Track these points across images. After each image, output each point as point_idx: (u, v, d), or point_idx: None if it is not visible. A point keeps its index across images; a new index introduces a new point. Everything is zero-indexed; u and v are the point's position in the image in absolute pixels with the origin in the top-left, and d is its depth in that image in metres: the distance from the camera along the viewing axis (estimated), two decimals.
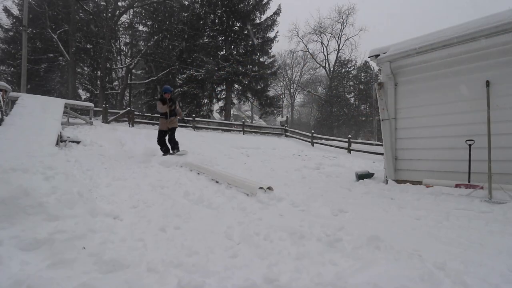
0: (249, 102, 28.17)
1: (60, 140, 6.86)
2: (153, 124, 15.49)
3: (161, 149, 6.88)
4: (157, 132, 7.07)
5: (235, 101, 24.63)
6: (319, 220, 2.96)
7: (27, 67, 13.74)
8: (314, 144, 15.66)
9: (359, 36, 49.82)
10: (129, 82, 22.81)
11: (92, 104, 11.68)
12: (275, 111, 24.44)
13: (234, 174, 5.41)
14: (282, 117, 29.69)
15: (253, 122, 35.42)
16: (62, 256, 1.83)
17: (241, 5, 20.99)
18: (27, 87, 13.88)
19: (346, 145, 13.93)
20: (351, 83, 34.04)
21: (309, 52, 34.98)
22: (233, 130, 18.32)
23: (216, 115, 27.34)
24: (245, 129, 17.65)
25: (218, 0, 20.96)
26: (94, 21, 21.54)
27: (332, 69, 34.56)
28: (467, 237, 2.58)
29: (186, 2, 22.58)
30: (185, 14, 21.99)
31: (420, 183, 5.11)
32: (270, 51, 22.95)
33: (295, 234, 2.39)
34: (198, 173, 5.53)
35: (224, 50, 22.22)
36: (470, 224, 2.96)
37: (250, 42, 21.54)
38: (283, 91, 38.04)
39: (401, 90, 5.83)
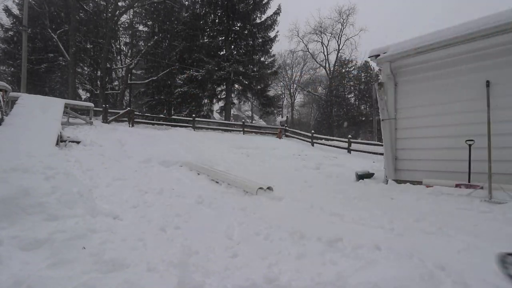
0: (249, 102, 28.17)
1: (60, 140, 6.85)
2: (153, 124, 15.47)
3: None
4: (155, 131, 7.02)
5: (235, 101, 24.62)
6: (319, 219, 2.96)
7: (27, 67, 13.73)
8: (314, 144, 15.65)
9: (359, 36, 49.90)
10: (129, 82, 22.79)
11: (92, 104, 11.63)
12: (275, 111, 24.46)
13: (234, 174, 5.41)
14: (282, 117, 29.71)
15: (253, 122, 35.39)
16: (62, 256, 1.83)
17: (242, 5, 20.98)
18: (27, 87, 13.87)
19: (346, 145, 13.93)
20: (351, 83, 34.07)
21: (309, 52, 34.98)
22: (233, 130, 18.30)
23: (216, 115, 27.32)
24: (245, 129, 17.63)
25: (218, 0, 20.95)
26: (94, 21, 21.54)
27: (332, 69, 34.54)
28: (467, 237, 2.57)
29: (186, 2, 22.59)
30: (185, 14, 21.99)
31: (420, 183, 5.11)
32: (270, 50, 22.93)
33: (295, 233, 2.40)
34: (198, 173, 5.53)
35: (224, 50, 22.18)
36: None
37: (251, 42, 21.54)
38: (283, 91, 38.03)
39: (401, 90, 5.83)
